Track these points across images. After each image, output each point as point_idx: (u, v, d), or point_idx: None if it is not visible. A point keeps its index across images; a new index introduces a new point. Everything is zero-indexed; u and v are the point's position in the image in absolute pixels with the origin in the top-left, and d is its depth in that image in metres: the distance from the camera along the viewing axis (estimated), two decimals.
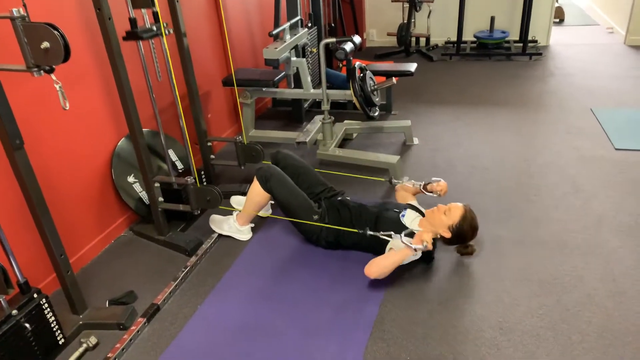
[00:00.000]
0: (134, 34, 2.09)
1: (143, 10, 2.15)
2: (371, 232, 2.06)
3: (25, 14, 1.45)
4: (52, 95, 2.04)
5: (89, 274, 2.27)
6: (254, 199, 2.32)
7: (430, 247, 1.93)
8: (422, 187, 2.33)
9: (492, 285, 2.02)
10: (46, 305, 1.72)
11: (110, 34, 1.89)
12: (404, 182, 2.42)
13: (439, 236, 2.07)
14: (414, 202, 2.33)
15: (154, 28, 2.15)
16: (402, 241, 1.96)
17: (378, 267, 1.96)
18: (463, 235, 2.05)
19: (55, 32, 1.42)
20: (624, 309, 1.85)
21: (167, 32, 2.19)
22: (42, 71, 1.49)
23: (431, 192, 2.30)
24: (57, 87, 1.54)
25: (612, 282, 1.99)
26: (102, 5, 1.83)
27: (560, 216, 2.44)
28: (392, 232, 2.05)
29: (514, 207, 2.55)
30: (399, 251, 1.97)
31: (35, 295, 1.70)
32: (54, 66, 1.49)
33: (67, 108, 1.55)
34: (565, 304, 1.89)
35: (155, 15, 2.11)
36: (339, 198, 2.36)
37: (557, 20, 6.66)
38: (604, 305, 1.87)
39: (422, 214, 2.22)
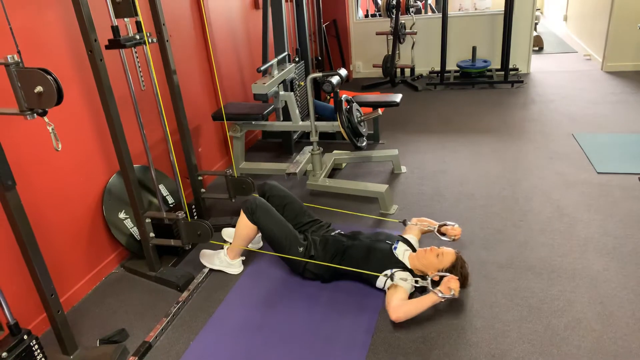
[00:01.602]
0: (116, 42, 2.10)
1: (126, 20, 2.16)
2: (384, 285, 2.09)
3: (19, 60, 1.50)
4: (43, 135, 2.08)
5: (79, 312, 2.25)
6: (242, 231, 2.34)
7: (457, 295, 1.94)
8: (436, 229, 2.34)
9: (483, 311, 2.04)
10: (36, 346, 1.71)
11: (102, 75, 1.94)
12: (410, 223, 2.40)
13: (428, 279, 2.10)
14: (409, 236, 2.34)
15: (137, 37, 2.16)
16: (429, 288, 1.98)
17: (406, 313, 1.96)
18: None
19: (49, 76, 1.46)
20: (612, 331, 1.87)
21: (150, 40, 2.21)
22: (35, 114, 1.53)
23: (444, 234, 2.32)
24: (49, 129, 1.57)
25: (600, 304, 2.02)
26: (93, 48, 1.89)
27: (547, 240, 2.49)
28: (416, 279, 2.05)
29: (501, 232, 2.59)
30: (427, 298, 1.97)
31: (25, 337, 1.69)
32: (47, 109, 1.53)
33: (60, 149, 1.58)
34: (554, 328, 1.91)
35: (138, 25, 2.15)
36: (333, 233, 2.35)
37: (537, 48, 6.89)
38: (593, 328, 1.90)
39: (412, 248, 2.25)
